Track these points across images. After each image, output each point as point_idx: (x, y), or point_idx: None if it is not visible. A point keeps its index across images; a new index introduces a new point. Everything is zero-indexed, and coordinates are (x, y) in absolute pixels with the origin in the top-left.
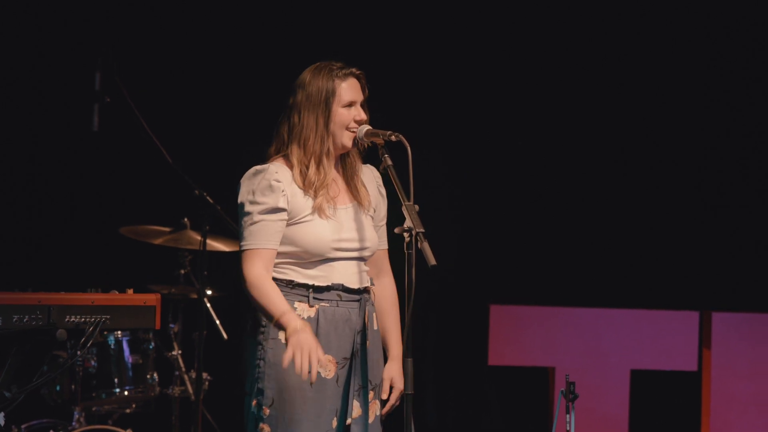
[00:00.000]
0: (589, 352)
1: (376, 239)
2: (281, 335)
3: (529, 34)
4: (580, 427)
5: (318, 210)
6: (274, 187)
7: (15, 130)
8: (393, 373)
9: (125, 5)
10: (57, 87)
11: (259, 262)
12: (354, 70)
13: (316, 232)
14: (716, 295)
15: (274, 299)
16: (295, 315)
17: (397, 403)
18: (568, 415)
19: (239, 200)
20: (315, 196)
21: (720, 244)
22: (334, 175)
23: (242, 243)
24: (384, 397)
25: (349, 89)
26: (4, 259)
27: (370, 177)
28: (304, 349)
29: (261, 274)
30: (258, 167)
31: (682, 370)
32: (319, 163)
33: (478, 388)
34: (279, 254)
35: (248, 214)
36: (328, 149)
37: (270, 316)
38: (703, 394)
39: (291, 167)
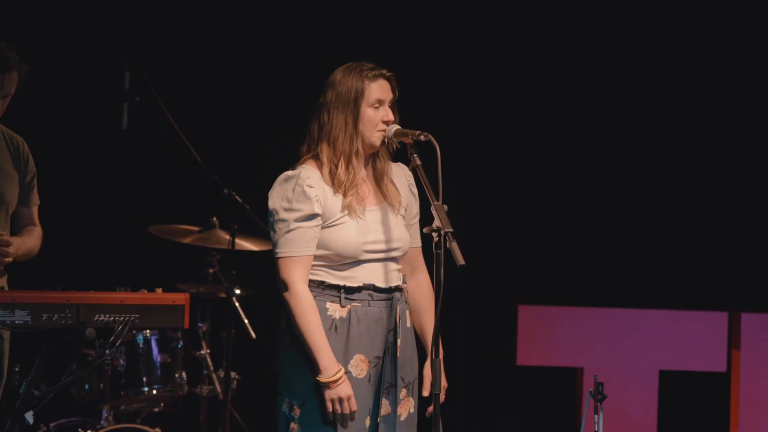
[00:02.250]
0: (618, 352)
1: (407, 238)
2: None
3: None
4: (609, 427)
5: (349, 209)
6: (308, 194)
7: (43, 129)
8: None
9: (153, 5)
10: (86, 86)
11: (301, 271)
12: (385, 71)
13: (346, 236)
14: (745, 295)
15: (318, 340)
16: (332, 357)
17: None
18: (596, 416)
19: (271, 206)
20: (345, 195)
21: (750, 245)
22: (363, 176)
23: (279, 250)
24: (425, 394)
25: (378, 89)
26: (33, 257)
27: (401, 175)
28: (343, 403)
29: (307, 294)
30: (289, 173)
31: (711, 371)
32: (348, 163)
33: (506, 389)
34: (315, 257)
35: (284, 221)
36: (357, 149)
37: (308, 347)
38: (732, 395)
39: (321, 167)
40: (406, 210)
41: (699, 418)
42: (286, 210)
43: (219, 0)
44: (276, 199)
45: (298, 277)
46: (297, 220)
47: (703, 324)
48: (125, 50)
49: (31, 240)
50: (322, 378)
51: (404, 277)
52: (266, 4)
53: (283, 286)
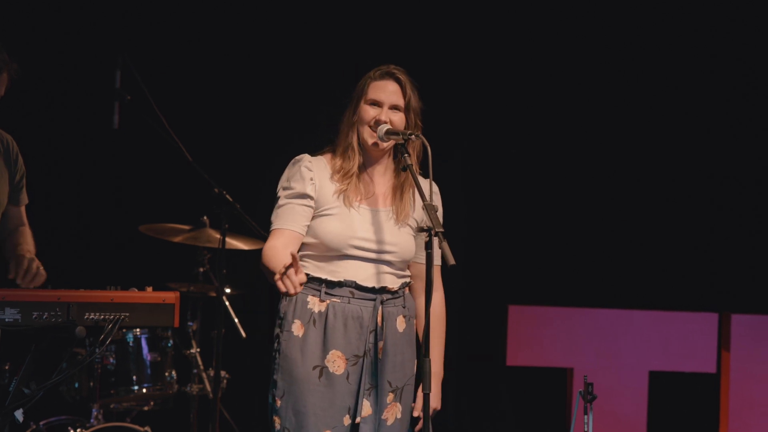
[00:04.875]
0: (608, 353)
1: (407, 247)
2: (294, 327)
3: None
4: (598, 428)
5: (343, 197)
6: (303, 174)
7: (35, 128)
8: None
9: (146, 4)
10: (77, 85)
11: (278, 239)
12: (392, 71)
13: (335, 226)
14: (736, 296)
15: (274, 259)
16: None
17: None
18: (586, 416)
19: (278, 186)
20: (339, 183)
21: (740, 246)
22: (374, 178)
23: (271, 225)
24: (415, 414)
25: (376, 88)
26: None
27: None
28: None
29: (273, 245)
30: (297, 157)
31: (700, 371)
32: (344, 153)
33: (496, 389)
34: (303, 246)
35: (278, 198)
36: (351, 143)
37: (272, 273)
38: (721, 396)
39: (332, 157)
40: (418, 223)
41: (689, 419)
42: (283, 188)
43: (211, 1)
44: (282, 179)
45: (273, 242)
46: (287, 197)
47: (693, 325)
48: (116, 49)
49: (32, 244)
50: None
51: (404, 284)
52: (255, 5)
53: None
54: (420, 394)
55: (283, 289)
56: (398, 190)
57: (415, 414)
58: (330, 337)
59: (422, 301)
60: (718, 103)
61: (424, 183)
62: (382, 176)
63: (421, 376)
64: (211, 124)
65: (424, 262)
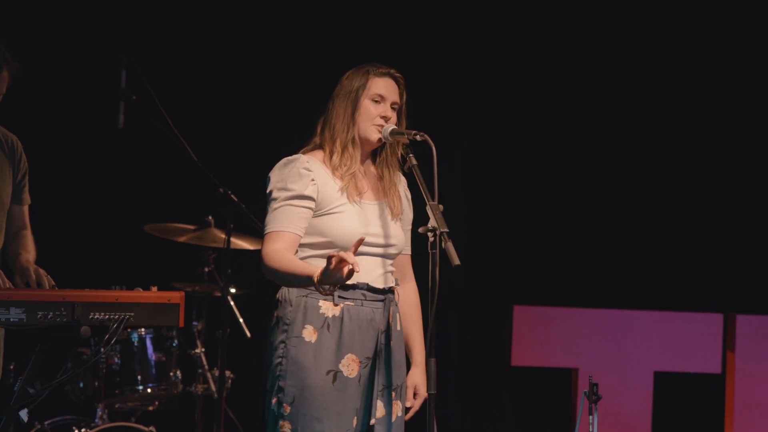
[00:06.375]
0: (613, 353)
1: (403, 239)
2: (305, 333)
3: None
4: (603, 428)
5: (347, 193)
6: (302, 175)
7: (40, 127)
8: (417, 380)
9: (151, 5)
10: (83, 85)
11: (279, 242)
12: (393, 71)
13: (345, 224)
14: (741, 297)
15: (296, 264)
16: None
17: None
18: (591, 417)
19: (268, 189)
20: (341, 180)
21: (745, 247)
22: (362, 170)
23: (264, 228)
24: (408, 404)
25: (380, 85)
26: None
27: (400, 182)
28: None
29: (277, 249)
30: (289, 158)
31: (705, 372)
32: (344, 150)
33: (501, 389)
34: (307, 246)
35: (275, 200)
36: (353, 138)
37: (300, 278)
38: (726, 397)
39: (323, 155)
40: (402, 215)
41: (693, 420)
42: (279, 190)
43: (216, 1)
44: (273, 181)
45: (275, 245)
46: (286, 199)
47: (698, 325)
48: (122, 48)
49: (33, 250)
50: (317, 276)
51: (397, 279)
52: (262, 5)
53: (261, 259)
54: (412, 384)
55: (346, 271)
56: (387, 185)
57: (408, 405)
58: (346, 341)
59: (401, 291)
60: (718, 103)
61: (397, 177)
62: (368, 170)
63: (427, 377)
64: (215, 124)
65: (406, 253)
